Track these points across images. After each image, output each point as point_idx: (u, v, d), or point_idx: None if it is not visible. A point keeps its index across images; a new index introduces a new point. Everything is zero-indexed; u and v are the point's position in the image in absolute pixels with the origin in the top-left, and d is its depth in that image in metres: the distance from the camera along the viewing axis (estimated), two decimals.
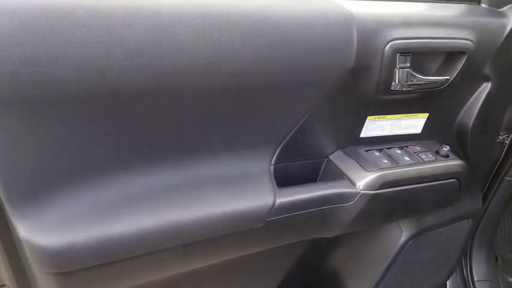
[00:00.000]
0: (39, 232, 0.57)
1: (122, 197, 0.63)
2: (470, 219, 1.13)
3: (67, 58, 0.51)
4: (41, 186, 0.58)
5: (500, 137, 1.16)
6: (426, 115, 0.90)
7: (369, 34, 0.70)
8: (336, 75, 0.70)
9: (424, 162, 0.86)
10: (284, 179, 0.79)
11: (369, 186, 0.79)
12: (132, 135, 0.62)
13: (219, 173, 0.73)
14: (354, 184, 0.80)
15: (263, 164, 0.76)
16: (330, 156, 0.85)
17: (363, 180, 0.80)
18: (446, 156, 0.90)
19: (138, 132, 0.62)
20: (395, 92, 0.77)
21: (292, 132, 0.75)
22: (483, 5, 0.89)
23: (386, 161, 0.84)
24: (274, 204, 0.73)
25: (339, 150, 0.85)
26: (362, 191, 0.79)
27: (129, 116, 0.59)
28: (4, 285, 0.75)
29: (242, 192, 0.72)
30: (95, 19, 0.51)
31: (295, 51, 0.65)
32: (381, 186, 0.80)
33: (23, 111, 0.52)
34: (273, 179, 0.76)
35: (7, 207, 0.57)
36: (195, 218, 0.67)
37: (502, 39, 0.85)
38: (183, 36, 0.56)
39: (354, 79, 0.72)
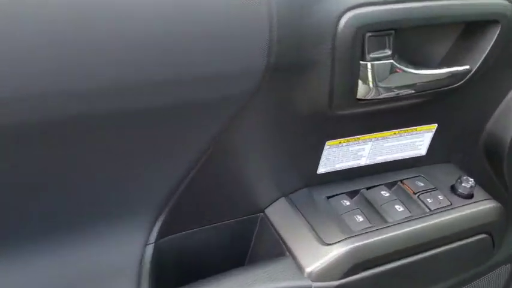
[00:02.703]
0: None
1: None
2: (509, 264, 0.77)
3: None
4: None
5: None
6: (434, 127, 0.53)
7: (302, 2, 0.34)
8: (242, 87, 0.35)
9: (430, 214, 0.50)
10: (187, 255, 0.46)
11: (328, 275, 0.44)
12: None
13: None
14: (300, 269, 0.45)
15: (130, 249, 0.42)
16: (266, 210, 0.50)
17: (317, 262, 0.44)
18: (470, 196, 0.53)
19: None
20: (368, 100, 0.41)
21: (181, 190, 0.41)
22: None
23: (361, 218, 0.48)
24: None
25: (281, 199, 0.50)
26: (314, 284, 0.44)
27: None
28: None
29: None
30: None
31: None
32: (351, 271, 0.45)
33: None
34: (148, 275, 0.41)
35: None
36: None
37: None
38: None
39: (280, 88, 0.37)
